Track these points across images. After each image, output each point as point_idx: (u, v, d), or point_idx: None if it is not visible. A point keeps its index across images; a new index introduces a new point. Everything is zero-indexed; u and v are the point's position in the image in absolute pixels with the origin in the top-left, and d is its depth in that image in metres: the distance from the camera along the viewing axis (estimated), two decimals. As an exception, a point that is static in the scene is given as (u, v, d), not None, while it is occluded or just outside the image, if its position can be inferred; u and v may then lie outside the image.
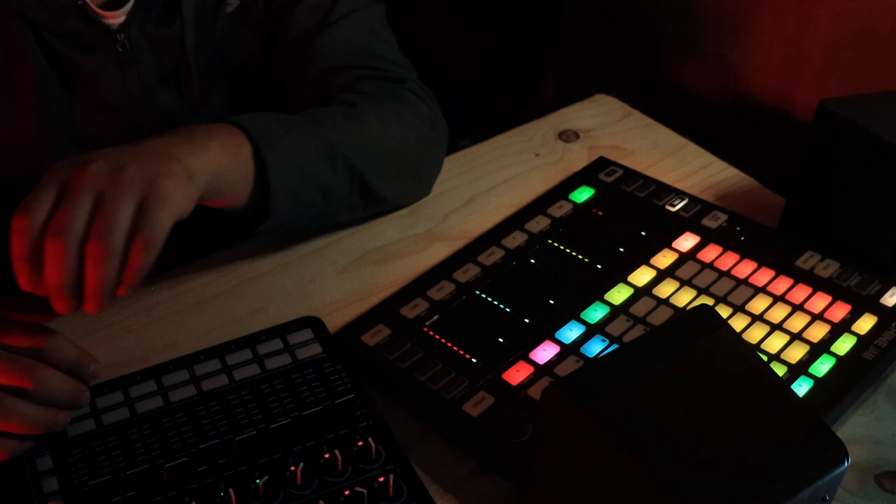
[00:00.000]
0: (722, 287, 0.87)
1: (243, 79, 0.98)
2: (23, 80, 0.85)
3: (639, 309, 0.85)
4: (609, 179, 1.00)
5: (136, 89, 0.90)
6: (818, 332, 0.82)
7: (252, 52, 0.97)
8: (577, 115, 1.14)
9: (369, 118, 0.91)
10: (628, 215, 0.95)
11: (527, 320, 0.84)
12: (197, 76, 0.93)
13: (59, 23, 0.84)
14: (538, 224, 0.94)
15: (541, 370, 0.79)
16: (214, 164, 0.77)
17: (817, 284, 0.86)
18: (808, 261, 0.89)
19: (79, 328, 0.85)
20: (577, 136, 1.10)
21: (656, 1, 1.32)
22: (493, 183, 1.03)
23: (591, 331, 0.83)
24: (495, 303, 0.86)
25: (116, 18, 0.86)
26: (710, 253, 0.90)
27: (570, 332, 0.82)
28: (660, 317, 0.84)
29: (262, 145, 0.82)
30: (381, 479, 0.70)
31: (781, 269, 0.88)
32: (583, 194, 0.97)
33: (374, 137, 0.91)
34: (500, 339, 0.82)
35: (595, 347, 0.81)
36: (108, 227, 0.67)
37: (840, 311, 0.84)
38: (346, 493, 0.69)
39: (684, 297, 0.86)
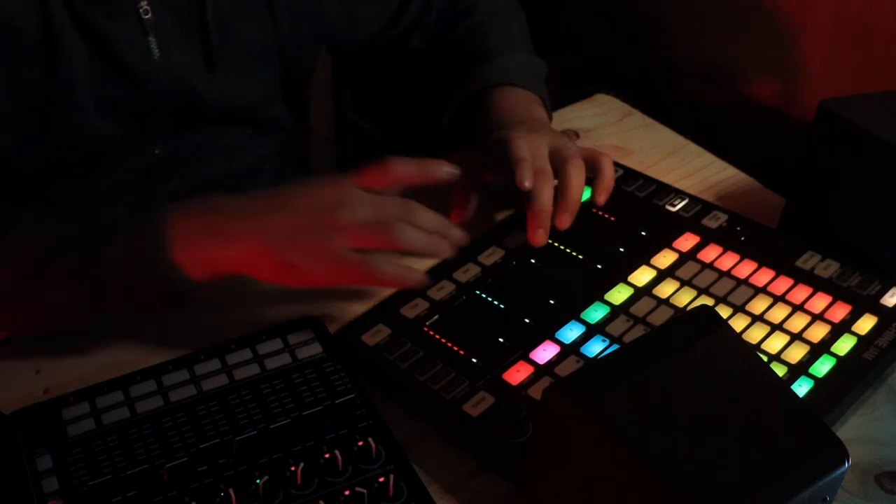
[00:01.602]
0: (722, 287, 0.87)
1: (261, 53, 0.99)
2: (56, 46, 0.85)
3: (639, 309, 0.85)
4: (609, 179, 1.00)
5: (156, 55, 0.91)
6: (818, 333, 0.82)
7: (266, 32, 0.98)
8: (577, 115, 1.14)
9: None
10: (628, 215, 0.95)
11: (527, 320, 0.84)
12: (217, 42, 0.94)
13: None
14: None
15: (541, 370, 0.79)
16: None
17: (817, 285, 0.86)
18: (808, 261, 0.89)
19: (79, 328, 0.85)
20: (577, 135, 1.10)
21: (656, 1, 1.32)
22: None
23: (592, 331, 0.83)
24: (495, 303, 0.86)
25: None
26: (710, 253, 0.90)
27: (571, 332, 0.82)
28: (660, 317, 0.84)
29: None
30: (381, 479, 0.70)
31: (781, 269, 0.88)
32: (583, 194, 0.97)
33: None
34: (500, 339, 0.82)
35: (595, 347, 0.81)
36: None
37: (840, 312, 0.84)
38: (346, 493, 0.69)
39: (684, 298, 0.86)
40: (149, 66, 0.90)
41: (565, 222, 0.90)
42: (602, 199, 0.93)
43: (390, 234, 0.79)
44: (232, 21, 0.95)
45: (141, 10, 0.88)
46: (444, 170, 0.85)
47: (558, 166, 0.90)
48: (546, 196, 0.88)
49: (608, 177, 0.94)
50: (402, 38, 1.11)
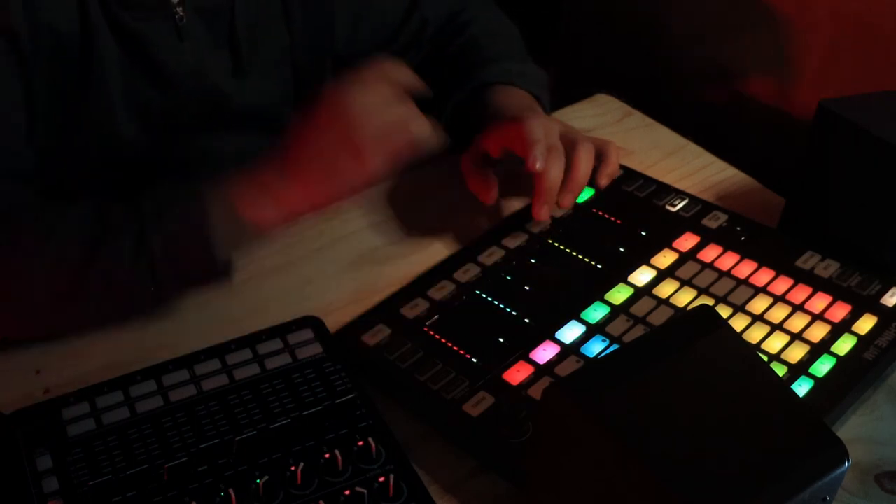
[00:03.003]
0: (722, 287, 0.87)
1: (280, 58, 1.01)
2: (93, 47, 0.86)
3: (639, 309, 0.85)
4: (609, 179, 1.00)
5: (190, 60, 0.92)
6: (818, 333, 0.82)
7: (283, 40, 1.00)
8: (577, 115, 1.14)
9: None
10: (628, 215, 0.95)
11: (527, 320, 0.84)
12: (246, 50, 0.95)
13: None
14: (539, 224, 0.94)
15: (541, 370, 0.79)
16: None
17: (817, 284, 0.86)
18: (808, 261, 0.89)
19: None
20: (577, 136, 1.10)
21: (656, 2, 1.32)
22: (494, 183, 1.03)
23: (592, 331, 0.83)
24: (495, 303, 0.86)
25: None
26: (710, 253, 0.90)
27: (571, 332, 0.82)
28: (660, 317, 0.84)
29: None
30: (381, 479, 0.70)
31: (781, 269, 0.88)
32: (583, 194, 0.97)
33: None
34: (500, 339, 0.82)
35: (595, 347, 0.81)
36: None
37: (840, 312, 0.84)
38: (346, 493, 0.69)
39: (684, 298, 0.86)
40: (180, 70, 0.92)
41: (568, 201, 0.91)
42: (604, 182, 0.95)
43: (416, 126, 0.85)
44: (257, 29, 0.96)
45: (176, 17, 0.90)
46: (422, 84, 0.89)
47: (568, 148, 0.91)
48: (555, 172, 0.89)
49: (613, 162, 0.95)
50: (399, 54, 1.11)
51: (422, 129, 0.85)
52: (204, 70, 0.94)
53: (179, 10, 0.90)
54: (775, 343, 0.81)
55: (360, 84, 0.86)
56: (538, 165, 0.87)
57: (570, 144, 0.91)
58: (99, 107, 0.90)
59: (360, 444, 0.72)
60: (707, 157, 1.08)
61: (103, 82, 0.88)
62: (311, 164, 0.84)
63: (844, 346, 0.81)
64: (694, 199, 0.97)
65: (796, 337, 0.82)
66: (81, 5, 0.85)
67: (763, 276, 0.87)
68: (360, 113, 0.84)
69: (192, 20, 0.91)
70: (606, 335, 0.82)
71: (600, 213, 0.95)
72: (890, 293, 0.85)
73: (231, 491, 0.69)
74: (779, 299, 0.85)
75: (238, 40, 0.95)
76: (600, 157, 0.94)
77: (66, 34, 0.85)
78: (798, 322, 0.83)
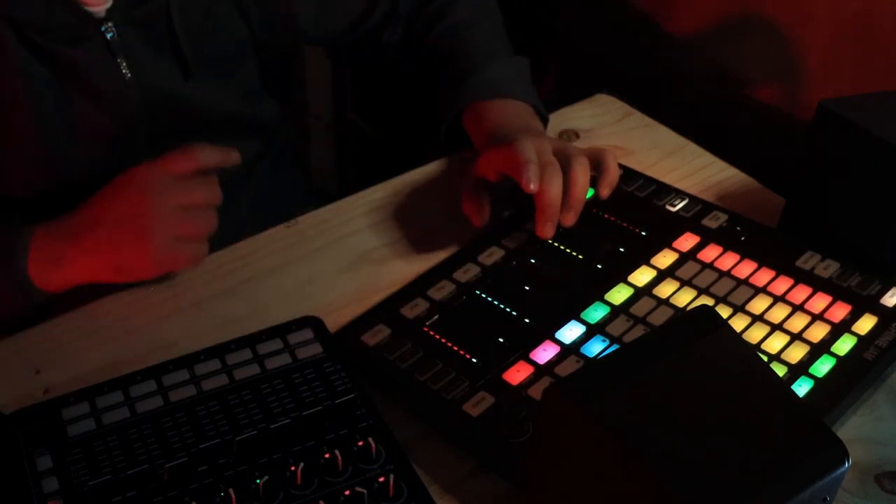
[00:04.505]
0: (722, 287, 0.87)
1: (236, 55, 0.99)
2: (11, 82, 0.85)
3: (639, 309, 0.85)
4: (609, 179, 1.00)
5: (129, 74, 0.90)
6: (818, 333, 0.82)
7: (242, 35, 0.98)
8: (577, 115, 1.13)
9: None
10: (628, 215, 0.95)
11: (527, 320, 0.84)
12: (191, 52, 0.93)
13: (46, 18, 0.83)
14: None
15: (541, 370, 0.79)
16: None
17: (817, 285, 0.86)
18: (808, 261, 0.89)
19: (78, 328, 0.85)
20: (577, 135, 1.10)
21: (656, 1, 1.32)
22: (494, 183, 1.03)
23: (592, 331, 0.83)
24: (495, 303, 0.86)
25: (102, 6, 0.86)
26: (710, 253, 0.90)
27: (571, 332, 0.82)
28: (660, 317, 0.84)
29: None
30: (381, 479, 0.70)
31: (781, 269, 0.88)
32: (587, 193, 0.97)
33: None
34: (500, 339, 0.82)
35: (595, 347, 0.81)
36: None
37: (840, 312, 0.84)
38: (346, 493, 0.69)
39: (684, 298, 0.86)
40: (122, 88, 0.90)
41: (570, 220, 0.90)
42: (606, 192, 0.94)
43: (207, 221, 0.86)
44: (203, 29, 0.94)
45: (107, 33, 0.87)
46: (234, 156, 0.89)
47: (564, 164, 0.90)
48: (555, 189, 0.88)
49: (612, 171, 0.94)
50: (374, 32, 1.11)
51: (205, 230, 0.86)
52: (146, 83, 0.92)
53: (109, 24, 0.87)
54: (775, 343, 0.81)
55: (161, 163, 0.85)
56: (532, 186, 0.86)
57: (565, 160, 0.90)
58: (46, 142, 0.88)
59: (360, 444, 0.72)
60: (707, 157, 1.08)
61: (34, 115, 0.87)
62: (96, 232, 0.84)
63: (844, 346, 0.81)
64: (694, 199, 0.97)
65: (796, 337, 0.82)
66: None
67: (763, 276, 0.87)
68: (154, 193, 0.83)
69: (125, 33, 0.89)
70: (606, 335, 0.82)
71: (600, 213, 0.95)
72: (890, 293, 0.85)
73: (231, 491, 0.69)
74: (779, 299, 0.85)
75: (179, 45, 0.93)
76: (599, 167, 0.94)
77: None
78: (798, 322, 0.83)
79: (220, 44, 0.97)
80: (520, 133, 0.93)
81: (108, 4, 0.87)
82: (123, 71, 0.89)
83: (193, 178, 0.86)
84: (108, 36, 0.87)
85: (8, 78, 0.84)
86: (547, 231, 0.89)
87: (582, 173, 0.90)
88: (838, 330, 0.82)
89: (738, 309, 0.84)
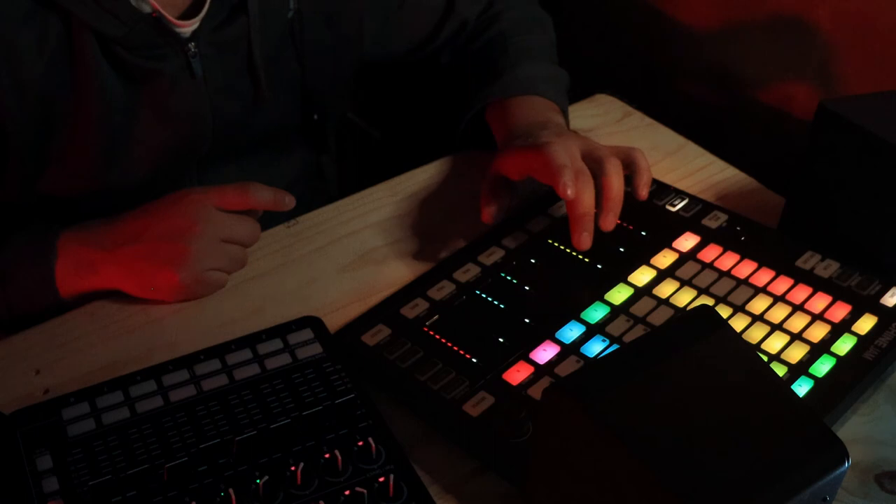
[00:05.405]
0: (722, 287, 0.87)
1: (291, 88, 1.00)
2: (86, 89, 0.85)
3: (639, 309, 0.85)
4: (609, 179, 0.99)
5: (205, 97, 0.91)
6: (818, 333, 0.82)
7: (294, 67, 0.99)
8: (577, 115, 1.13)
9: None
10: (628, 215, 0.95)
11: (527, 320, 0.84)
12: (266, 81, 0.94)
13: (132, 34, 0.84)
14: (539, 224, 0.94)
15: (541, 370, 0.79)
16: None
17: (817, 284, 0.86)
18: (808, 261, 0.89)
19: (79, 328, 0.85)
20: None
21: (657, 2, 1.32)
22: (494, 183, 1.02)
23: (592, 331, 0.83)
24: (495, 303, 0.86)
25: (189, 26, 0.86)
26: (710, 253, 0.90)
27: (571, 332, 0.82)
28: (660, 317, 0.84)
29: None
30: (381, 479, 0.70)
31: (782, 269, 0.88)
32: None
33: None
34: (500, 339, 0.82)
35: (595, 347, 0.81)
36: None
37: (840, 312, 0.84)
38: (346, 493, 0.69)
39: (684, 298, 0.86)
40: (196, 109, 0.91)
41: (611, 223, 0.87)
42: (644, 192, 0.91)
43: (240, 259, 0.89)
44: (270, 58, 0.95)
45: (189, 53, 0.88)
46: (288, 200, 0.89)
47: (595, 167, 0.88)
48: (588, 198, 0.86)
49: (645, 169, 0.92)
50: (433, 56, 1.11)
51: (235, 267, 0.88)
52: (222, 103, 0.93)
53: (191, 45, 0.88)
54: (775, 343, 0.81)
55: (215, 194, 0.86)
56: (569, 192, 0.84)
57: (595, 162, 0.88)
58: (116, 153, 0.89)
59: (360, 444, 0.73)
60: (707, 157, 1.08)
61: (105, 129, 0.87)
62: (134, 247, 0.84)
63: (844, 346, 0.81)
64: (694, 199, 0.97)
65: (796, 337, 0.82)
66: (80, 57, 0.83)
67: (763, 276, 0.87)
68: (201, 222, 0.84)
69: (207, 55, 0.89)
70: (606, 335, 0.82)
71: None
72: (890, 293, 0.85)
73: (231, 491, 0.69)
74: (779, 299, 0.85)
75: (256, 69, 0.94)
76: (630, 167, 0.91)
77: (53, 89, 0.84)
78: (798, 322, 0.83)
79: (281, 73, 0.97)
80: (544, 131, 0.92)
81: (195, 26, 0.87)
82: (201, 92, 0.90)
83: (240, 215, 0.87)
84: (191, 57, 0.88)
85: (85, 84, 0.84)
86: (584, 242, 0.86)
87: (616, 174, 0.87)
88: (838, 330, 0.82)
89: (738, 309, 0.84)
